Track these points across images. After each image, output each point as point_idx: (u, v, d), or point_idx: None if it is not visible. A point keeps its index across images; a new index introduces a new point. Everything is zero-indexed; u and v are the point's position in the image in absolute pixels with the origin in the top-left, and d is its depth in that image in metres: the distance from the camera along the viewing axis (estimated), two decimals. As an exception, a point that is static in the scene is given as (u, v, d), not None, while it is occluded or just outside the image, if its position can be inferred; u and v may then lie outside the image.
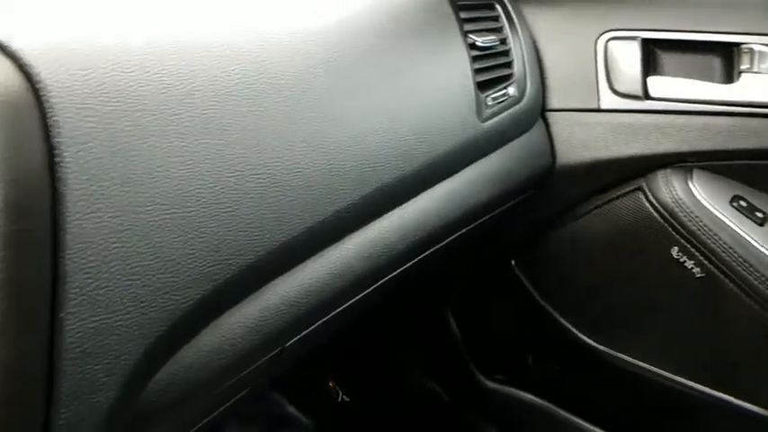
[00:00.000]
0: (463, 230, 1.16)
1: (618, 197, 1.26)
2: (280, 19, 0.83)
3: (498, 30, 1.19)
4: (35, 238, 0.51)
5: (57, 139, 0.54)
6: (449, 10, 1.09)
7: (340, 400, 2.01)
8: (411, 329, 1.85)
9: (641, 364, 1.39)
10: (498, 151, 1.14)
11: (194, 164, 0.65)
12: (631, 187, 1.25)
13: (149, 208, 0.60)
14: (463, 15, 1.11)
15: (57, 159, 0.53)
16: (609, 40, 1.23)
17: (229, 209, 0.68)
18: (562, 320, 1.49)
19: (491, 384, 1.78)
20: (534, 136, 1.23)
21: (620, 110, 1.22)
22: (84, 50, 0.59)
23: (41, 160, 0.52)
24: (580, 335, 1.49)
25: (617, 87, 1.22)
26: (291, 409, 1.91)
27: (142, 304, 0.60)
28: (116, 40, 0.62)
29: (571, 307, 1.48)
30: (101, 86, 0.59)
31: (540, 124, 1.26)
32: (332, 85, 0.84)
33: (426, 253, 1.08)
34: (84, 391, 0.56)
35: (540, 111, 1.26)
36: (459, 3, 1.12)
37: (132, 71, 0.62)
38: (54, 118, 0.54)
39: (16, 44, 0.53)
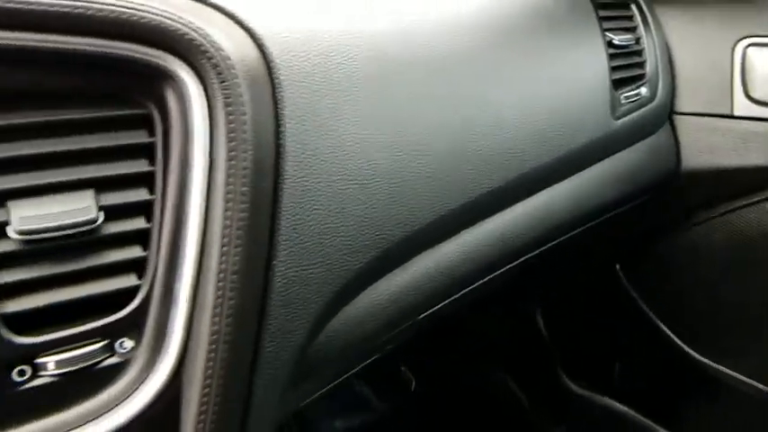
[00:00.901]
0: (583, 227, 1.17)
1: (742, 207, 1.23)
2: (443, 8, 0.87)
3: (633, 29, 1.19)
4: (264, 195, 0.57)
5: (281, 111, 0.60)
6: (590, 7, 1.10)
7: (413, 388, 2.04)
8: (497, 325, 1.86)
9: (746, 379, 1.35)
10: (626, 151, 1.14)
11: (377, 141, 0.71)
12: (757, 198, 1.22)
13: (340, 178, 0.67)
14: (601, 14, 1.12)
15: (280, 129, 0.60)
16: (748, 46, 1.20)
17: (396, 184, 0.74)
18: (664, 328, 1.47)
19: (576, 388, 1.76)
20: (661, 138, 1.22)
21: (755, 117, 1.18)
22: (303, 36, 0.66)
23: (271, 129, 0.58)
24: (682, 344, 1.45)
25: (753, 94, 1.19)
26: (366, 390, 1.96)
27: (328, 261, 0.66)
28: (325, 28, 0.69)
29: (676, 315, 1.44)
30: (313, 68, 0.66)
31: (666, 127, 1.24)
32: (484, 72, 0.88)
33: (545, 247, 1.10)
34: (284, 331, 0.63)
35: (669, 113, 1.24)
36: (598, 1, 1.12)
37: (333, 55, 0.69)
38: (280, 92, 0.60)
39: (256, 26, 0.60)
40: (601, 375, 1.69)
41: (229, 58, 0.53)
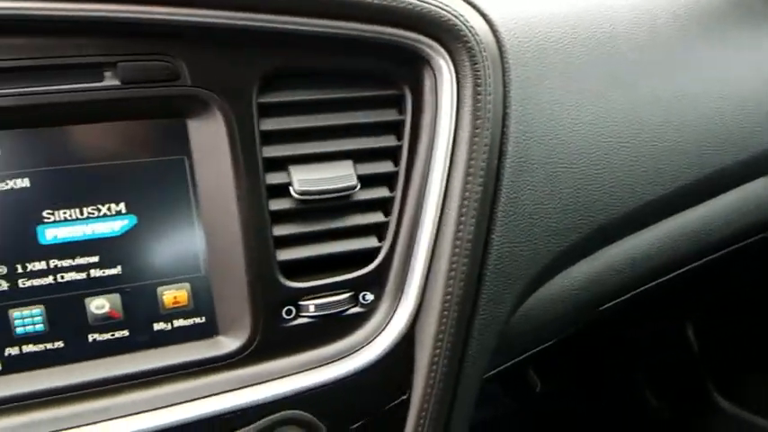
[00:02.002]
0: (757, 236, 1.11)
1: None
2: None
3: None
4: (493, 171, 0.62)
5: (508, 93, 0.65)
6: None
7: (538, 390, 2.01)
8: (644, 333, 1.80)
9: None
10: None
11: (588, 127, 0.73)
12: None
13: (552, 160, 0.70)
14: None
15: (506, 111, 0.65)
16: None
17: (601, 171, 0.75)
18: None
19: (728, 405, 1.66)
20: None
21: None
22: (527, 23, 0.70)
23: (501, 110, 0.63)
24: None
25: None
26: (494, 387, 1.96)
27: (535, 241, 0.70)
28: (545, 16, 0.72)
29: None
30: (535, 53, 0.69)
31: None
32: (683, 64, 0.87)
33: (717, 254, 1.06)
34: (494, 300, 0.67)
35: None
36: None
37: (552, 42, 0.71)
38: (508, 75, 0.65)
39: (492, 13, 0.65)
40: (755, 394, 1.58)
41: (482, 43, 0.58)
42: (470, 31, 0.58)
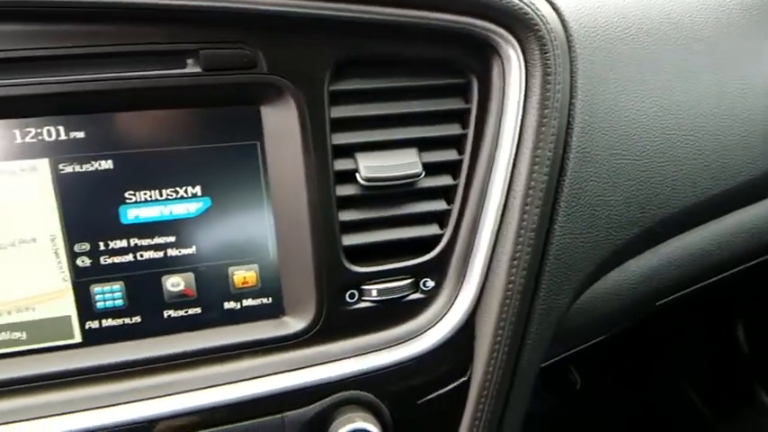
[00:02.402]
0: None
1: None
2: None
3: None
4: (557, 161, 0.62)
5: (575, 83, 0.64)
6: None
7: (578, 387, 1.99)
8: (691, 332, 1.76)
9: None
10: None
11: (653, 119, 0.72)
12: None
13: (616, 152, 0.69)
14: None
15: (573, 100, 0.64)
16: None
17: (664, 164, 0.74)
18: None
19: (775, 407, 1.61)
20: None
21: None
22: (593, 14, 0.69)
23: (567, 99, 0.63)
24: None
25: None
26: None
27: (596, 233, 0.70)
28: (611, 6, 0.71)
29: None
30: (601, 44, 0.68)
31: None
32: (746, 53, 0.84)
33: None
34: (554, 290, 0.68)
35: None
36: None
37: (618, 32, 0.70)
38: (575, 65, 0.64)
39: (560, 3, 0.65)
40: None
41: (553, 32, 0.58)
42: (542, 20, 0.58)
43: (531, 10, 0.57)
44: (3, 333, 0.58)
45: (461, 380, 0.65)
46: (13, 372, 0.57)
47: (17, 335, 0.59)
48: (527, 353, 0.66)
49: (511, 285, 0.61)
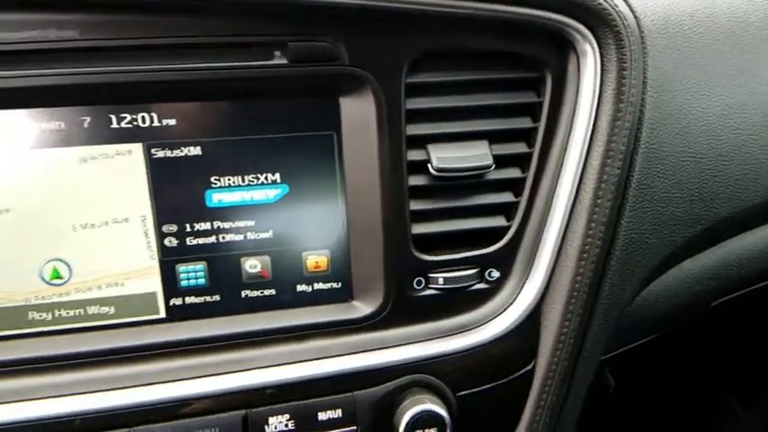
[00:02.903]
0: None
1: None
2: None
3: None
4: (628, 153, 0.63)
5: (646, 78, 0.65)
6: None
7: (611, 390, 1.97)
8: (732, 341, 1.72)
9: None
10: None
11: (720, 118, 0.72)
12: None
13: (682, 150, 0.69)
14: None
15: (644, 96, 0.65)
16: None
17: (729, 163, 0.73)
18: None
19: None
20: None
21: None
22: (665, 10, 0.69)
23: (640, 94, 0.64)
24: None
25: None
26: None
27: (660, 229, 0.70)
28: (682, 4, 0.72)
29: None
30: (671, 40, 0.68)
31: None
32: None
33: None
34: (617, 285, 0.68)
35: None
36: None
37: (687, 29, 0.70)
38: (646, 60, 0.65)
39: (635, 1, 0.66)
40: None
41: (629, 28, 0.59)
42: (619, 17, 0.58)
43: (610, 6, 0.58)
44: (93, 307, 0.63)
45: (525, 369, 0.67)
46: (102, 344, 0.61)
47: (106, 309, 0.63)
48: (589, 346, 0.67)
49: (579, 278, 0.62)
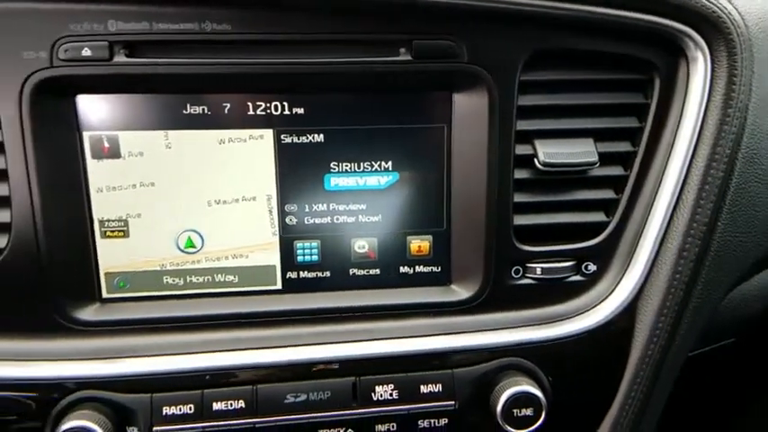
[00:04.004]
0: None
1: None
2: None
3: None
4: (732, 157, 0.64)
5: (752, 85, 0.65)
6: None
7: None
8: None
9: None
10: None
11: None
12: None
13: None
14: None
15: (749, 100, 0.64)
16: None
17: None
18: None
19: None
20: None
21: None
22: (764, 16, 0.69)
23: (747, 98, 0.64)
24: None
25: None
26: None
27: (754, 233, 0.70)
28: None
29: None
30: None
31: None
32: None
33: None
34: (710, 285, 0.69)
35: None
36: None
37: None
38: (752, 67, 0.64)
39: (742, 8, 0.65)
40: None
41: (742, 36, 0.60)
42: (733, 25, 0.59)
43: (725, 14, 0.59)
44: (219, 275, 0.69)
45: (618, 361, 0.69)
46: (227, 309, 0.68)
47: (231, 278, 0.69)
48: (679, 342, 0.69)
49: (677, 276, 0.64)
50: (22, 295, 0.62)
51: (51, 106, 0.59)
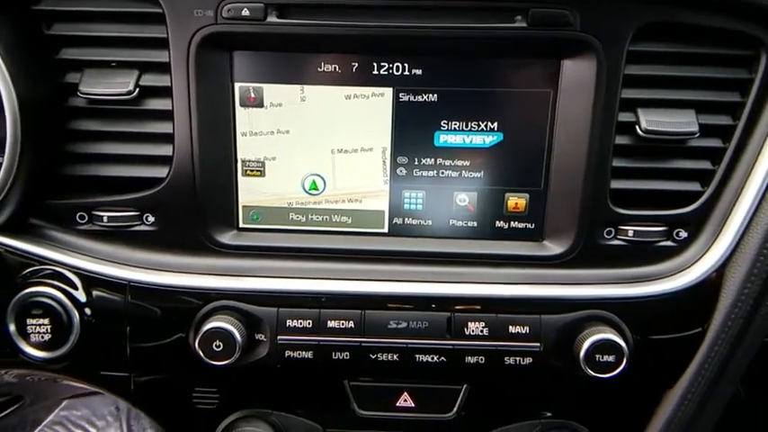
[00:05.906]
0: None
1: None
2: None
3: None
4: None
5: None
6: None
7: (742, 398, 1.84)
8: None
9: None
10: None
11: None
12: None
13: None
14: None
15: None
16: None
17: None
18: None
19: None
20: None
21: None
22: None
23: None
24: None
25: None
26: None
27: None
28: None
29: None
30: None
31: None
32: None
33: None
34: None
35: None
36: None
37: None
38: None
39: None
40: None
41: None
42: None
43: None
44: (336, 216, 0.78)
45: (698, 329, 0.72)
46: (342, 245, 0.77)
47: (345, 219, 0.78)
48: (763, 312, 0.70)
49: (766, 249, 0.66)
50: (177, 219, 0.75)
51: (212, 59, 0.70)
